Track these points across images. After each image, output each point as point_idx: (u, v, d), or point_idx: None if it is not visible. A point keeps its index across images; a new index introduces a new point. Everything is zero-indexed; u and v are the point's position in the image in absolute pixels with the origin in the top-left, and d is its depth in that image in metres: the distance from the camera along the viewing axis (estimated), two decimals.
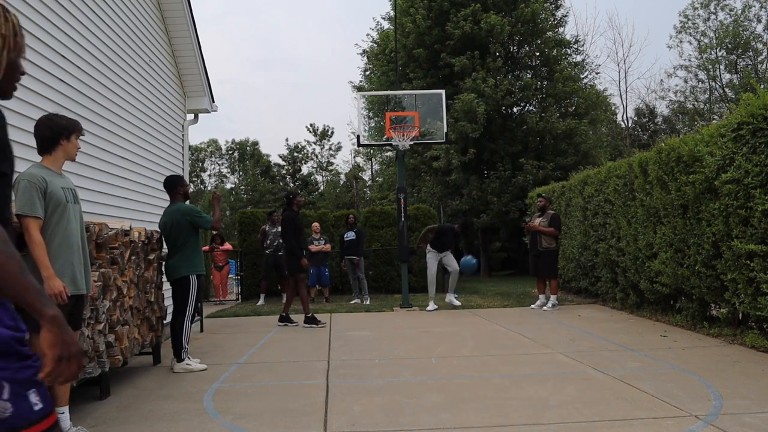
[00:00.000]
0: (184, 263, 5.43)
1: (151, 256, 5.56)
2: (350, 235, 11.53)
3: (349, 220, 11.89)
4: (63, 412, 3.44)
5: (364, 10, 65.10)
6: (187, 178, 8.47)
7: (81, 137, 3.56)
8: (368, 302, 11.18)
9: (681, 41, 34.08)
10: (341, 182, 43.88)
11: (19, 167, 4.30)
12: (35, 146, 4.32)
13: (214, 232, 13.16)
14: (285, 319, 8.24)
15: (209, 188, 48.36)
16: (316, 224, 11.99)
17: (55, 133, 3.43)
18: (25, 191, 3.23)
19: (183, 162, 8.67)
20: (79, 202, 3.58)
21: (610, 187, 8.83)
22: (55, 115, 3.53)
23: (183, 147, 8.70)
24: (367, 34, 44.92)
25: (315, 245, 11.68)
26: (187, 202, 5.72)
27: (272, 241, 11.25)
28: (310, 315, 8.07)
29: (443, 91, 11.16)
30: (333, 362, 5.56)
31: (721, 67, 28.93)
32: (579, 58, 21.05)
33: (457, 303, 9.96)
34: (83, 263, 3.51)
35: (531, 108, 20.45)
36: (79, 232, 3.48)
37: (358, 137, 11.40)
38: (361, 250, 11.57)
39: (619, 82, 51.44)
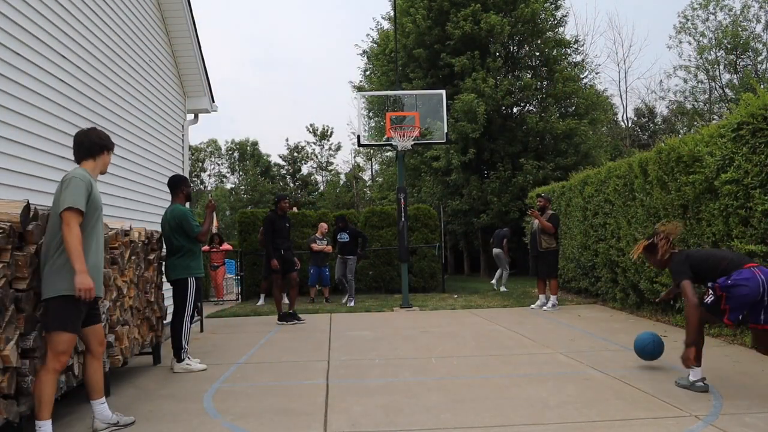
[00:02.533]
0: (181, 265, 5.43)
1: (151, 256, 5.55)
2: (344, 237, 11.07)
3: (340, 224, 11.34)
4: (103, 402, 3.67)
5: (364, 10, 65.18)
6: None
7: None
8: (352, 303, 10.69)
9: (680, 42, 34.15)
10: (341, 182, 43.88)
11: (18, 167, 4.31)
12: (34, 147, 4.33)
13: (212, 233, 13.20)
14: (292, 317, 8.36)
15: (209, 188, 48.36)
16: (323, 224, 12.01)
17: (100, 145, 3.66)
18: (76, 187, 3.31)
19: (183, 162, 8.67)
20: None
21: (610, 187, 8.83)
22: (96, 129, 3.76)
23: (183, 147, 8.70)
24: (367, 35, 45.03)
25: (317, 245, 11.67)
26: (187, 204, 5.71)
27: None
28: (284, 313, 8.36)
29: (443, 91, 11.16)
30: (333, 362, 5.56)
31: (721, 67, 28.94)
32: (579, 58, 21.07)
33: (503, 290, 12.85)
34: (100, 271, 3.62)
35: (531, 108, 20.45)
36: (102, 239, 3.67)
37: (358, 137, 11.40)
38: (355, 251, 11.12)
39: (619, 82, 51.58)
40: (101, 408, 3.65)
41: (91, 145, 3.60)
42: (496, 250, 13.35)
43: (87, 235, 3.38)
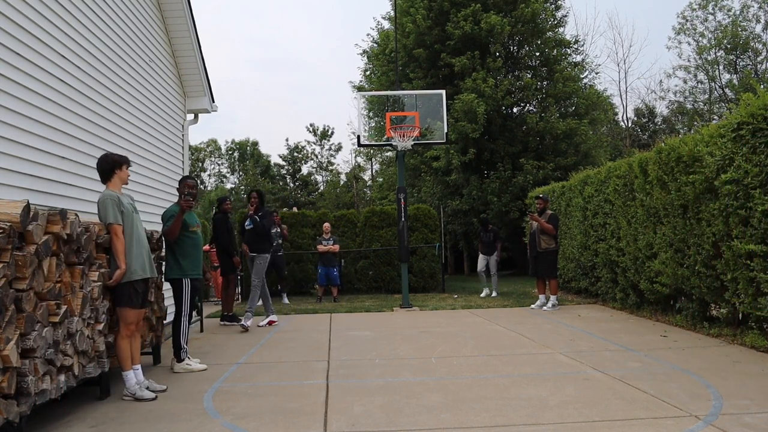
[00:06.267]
0: (177, 265, 5.46)
1: (152, 256, 5.55)
2: (250, 224, 8.25)
3: (252, 199, 8.34)
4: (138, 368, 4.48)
5: (364, 10, 65.14)
6: None
7: (129, 167, 4.66)
8: (249, 323, 7.83)
9: (680, 42, 34.12)
10: (341, 182, 43.85)
11: (18, 167, 4.31)
12: (34, 147, 4.34)
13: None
14: (231, 318, 8.50)
15: (209, 188, 48.33)
16: (326, 224, 12.03)
17: (110, 166, 4.55)
18: (110, 208, 4.34)
19: (183, 162, 8.66)
20: (138, 212, 4.68)
21: (610, 187, 8.83)
22: (109, 153, 4.71)
23: (183, 147, 8.69)
24: (368, 34, 44.98)
25: (323, 245, 11.66)
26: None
27: (272, 241, 11.25)
28: (227, 314, 8.53)
29: (443, 91, 11.16)
30: (333, 362, 5.56)
31: (720, 67, 28.92)
32: (579, 58, 21.06)
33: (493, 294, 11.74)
34: (149, 256, 4.65)
35: (531, 108, 20.44)
36: (143, 234, 4.64)
37: (358, 137, 11.39)
38: (268, 248, 8.40)
39: (619, 82, 51.53)
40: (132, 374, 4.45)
41: (103, 171, 4.50)
42: (491, 258, 11.75)
43: (129, 234, 4.45)
